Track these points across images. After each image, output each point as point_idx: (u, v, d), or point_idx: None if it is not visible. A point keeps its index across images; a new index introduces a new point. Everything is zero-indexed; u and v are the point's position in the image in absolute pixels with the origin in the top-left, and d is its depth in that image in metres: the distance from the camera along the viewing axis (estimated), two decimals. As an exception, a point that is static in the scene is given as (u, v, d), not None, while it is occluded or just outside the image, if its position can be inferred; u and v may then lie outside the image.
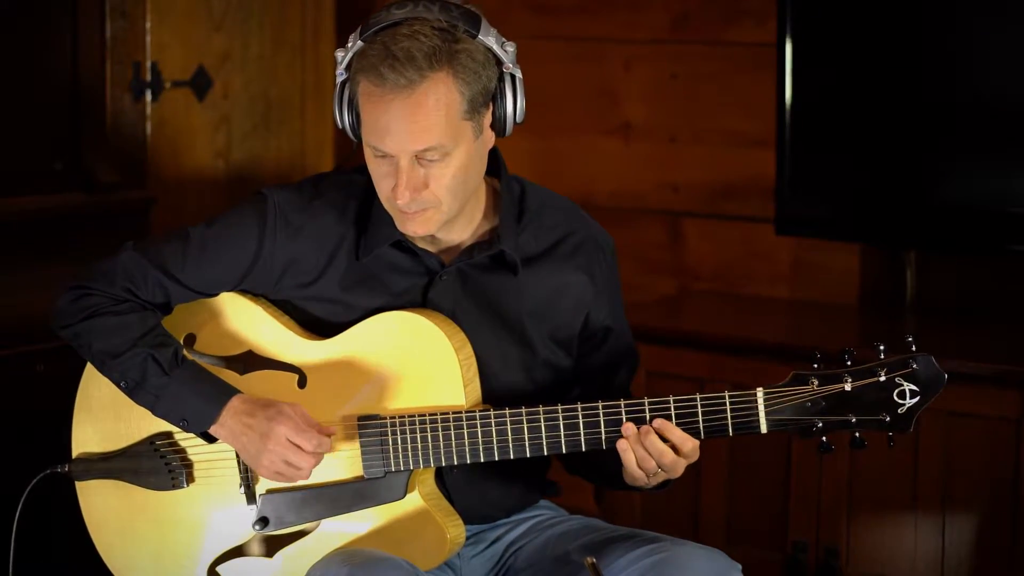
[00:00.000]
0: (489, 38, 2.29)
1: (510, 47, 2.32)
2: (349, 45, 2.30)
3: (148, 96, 3.69)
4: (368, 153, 2.31)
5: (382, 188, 2.32)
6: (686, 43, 3.96)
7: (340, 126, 2.36)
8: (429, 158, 2.27)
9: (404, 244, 2.41)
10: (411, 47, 2.22)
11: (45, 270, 3.17)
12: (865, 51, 3.58)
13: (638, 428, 2.27)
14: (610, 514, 3.48)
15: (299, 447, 2.32)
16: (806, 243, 3.83)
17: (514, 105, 2.34)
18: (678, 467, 2.29)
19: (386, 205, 2.34)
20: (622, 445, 2.28)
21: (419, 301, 2.42)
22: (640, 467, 2.28)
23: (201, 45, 3.80)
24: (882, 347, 2.26)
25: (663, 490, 2.40)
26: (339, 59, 2.32)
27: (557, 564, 2.42)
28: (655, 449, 2.26)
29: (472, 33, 2.28)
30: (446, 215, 2.33)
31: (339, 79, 2.33)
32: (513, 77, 2.33)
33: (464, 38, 2.27)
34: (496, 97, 2.32)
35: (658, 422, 2.26)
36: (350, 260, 2.42)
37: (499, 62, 2.31)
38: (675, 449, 2.27)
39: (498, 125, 2.35)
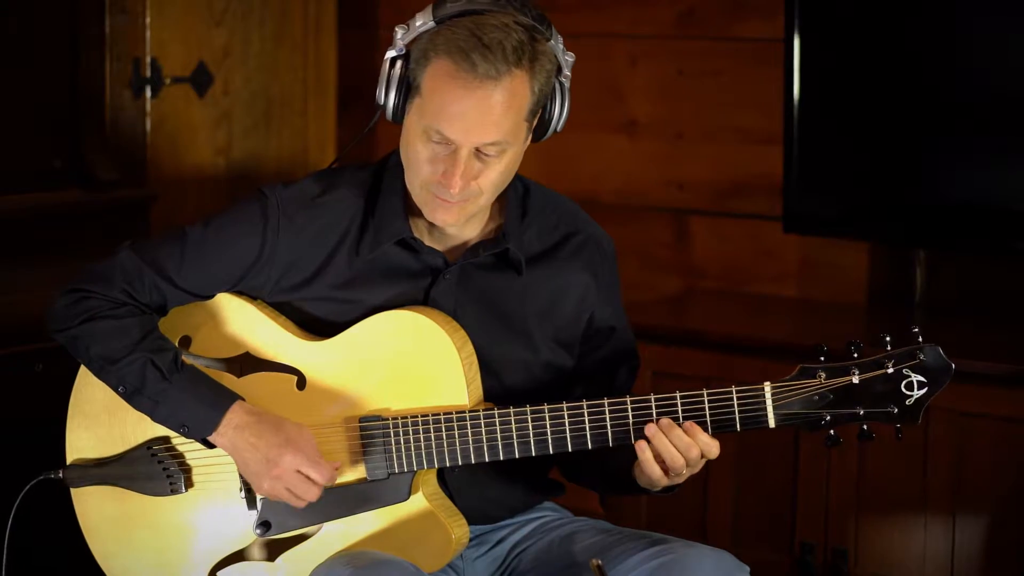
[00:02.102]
0: (558, 44, 2.30)
1: (570, 57, 2.33)
2: (417, 24, 2.28)
3: (148, 93, 3.68)
4: (418, 134, 2.28)
5: (423, 173, 2.29)
6: (692, 39, 3.96)
7: (381, 103, 2.32)
8: (488, 152, 2.26)
9: (408, 242, 2.39)
10: (503, 39, 2.21)
11: (44, 268, 3.15)
12: (874, 47, 3.58)
13: (658, 425, 2.27)
14: (615, 515, 3.46)
15: (309, 479, 2.32)
16: (814, 241, 3.83)
17: (560, 114, 2.34)
18: (698, 464, 2.28)
19: (420, 188, 2.31)
20: (643, 441, 2.26)
21: (421, 299, 2.40)
22: (661, 460, 2.26)
23: (201, 41, 3.79)
24: (888, 338, 2.25)
25: (669, 494, 2.39)
26: (399, 35, 2.30)
27: (562, 566, 2.41)
28: (682, 443, 2.24)
29: (548, 36, 2.28)
30: (480, 207, 2.33)
31: (393, 54, 2.31)
32: (563, 86, 2.33)
33: (542, 40, 2.27)
34: (547, 103, 2.33)
35: (688, 424, 2.26)
36: (351, 257, 2.40)
37: (559, 69, 2.31)
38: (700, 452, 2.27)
39: (540, 130, 2.35)
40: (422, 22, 2.27)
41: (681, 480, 2.31)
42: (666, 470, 2.27)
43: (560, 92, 2.33)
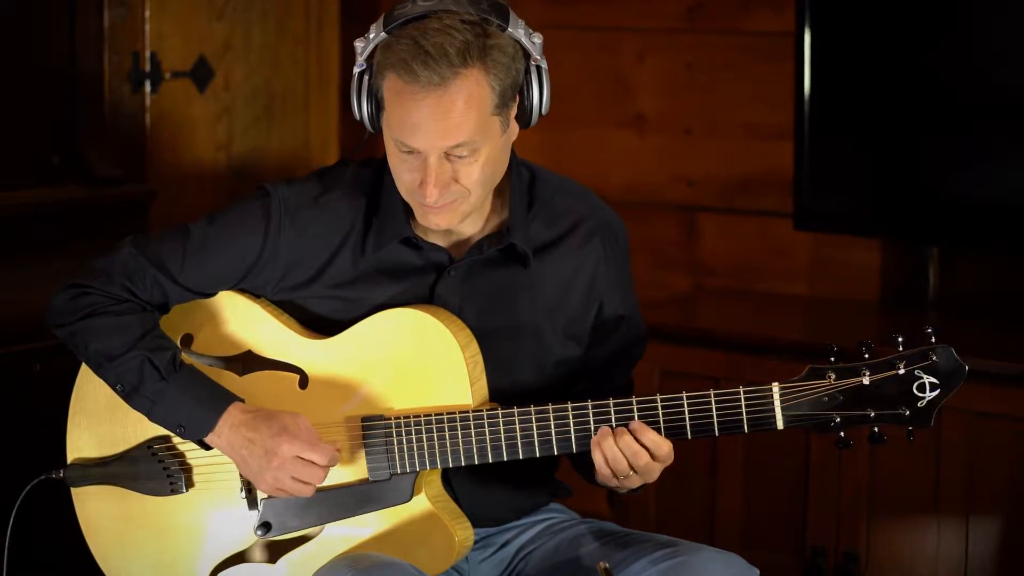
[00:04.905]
0: (518, 30, 2.28)
1: (537, 38, 2.30)
2: (371, 36, 2.28)
3: (147, 87, 3.67)
4: (391, 147, 2.29)
5: (404, 182, 2.30)
6: (702, 32, 3.96)
7: (357, 117, 2.33)
8: (458, 154, 2.25)
9: (412, 240, 2.38)
10: (443, 42, 2.20)
11: (42, 266, 3.14)
12: (887, 40, 3.57)
13: (612, 429, 2.25)
14: (623, 517, 3.48)
15: (312, 463, 2.30)
16: (825, 238, 3.82)
17: (540, 97, 2.32)
18: (652, 471, 2.27)
19: (408, 198, 2.33)
20: (592, 444, 2.26)
21: (426, 297, 2.39)
22: (610, 467, 2.26)
23: (202, 35, 3.79)
24: (900, 339, 2.23)
25: (636, 492, 2.40)
26: (359, 49, 2.30)
27: (569, 569, 2.40)
28: (629, 450, 2.24)
29: (502, 26, 2.26)
30: (472, 206, 2.32)
31: (358, 69, 2.31)
32: (539, 69, 2.31)
33: (495, 32, 2.25)
34: (523, 89, 2.31)
35: (634, 424, 2.25)
36: (355, 256, 2.39)
37: (527, 54, 2.29)
38: (650, 453, 2.25)
39: (523, 117, 2.34)
40: (375, 34, 2.27)
41: (632, 484, 2.31)
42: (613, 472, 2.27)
43: (537, 75, 2.31)
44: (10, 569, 2.52)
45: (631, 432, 2.24)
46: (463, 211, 2.30)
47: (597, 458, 2.26)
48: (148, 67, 3.65)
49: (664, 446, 2.24)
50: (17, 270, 3.17)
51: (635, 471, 2.26)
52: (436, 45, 2.19)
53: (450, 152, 2.24)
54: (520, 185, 2.41)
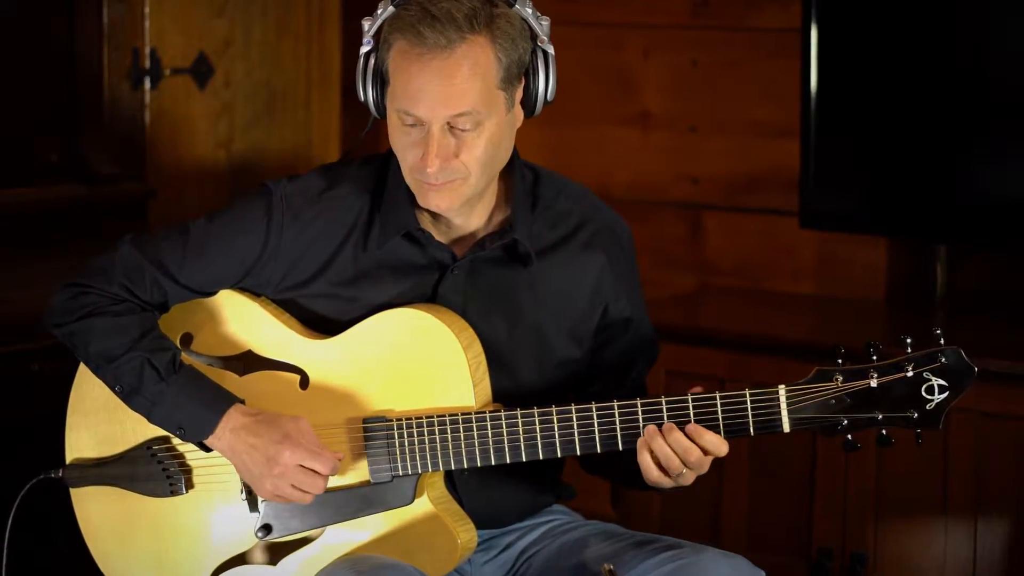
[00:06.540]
0: (526, 9, 2.28)
1: (544, 21, 2.31)
2: (378, 12, 2.28)
3: (147, 84, 3.68)
4: (395, 122, 2.28)
5: (407, 159, 2.28)
6: (707, 29, 3.96)
7: (361, 99, 2.33)
8: (461, 126, 2.24)
9: (416, 236, 2.36)
10: (451, 8, 2.21)
11: (41, 264, 3.14)
12: (895, 37, 3.56)
13: (659, 427, 2.23)
14: (627, 518, 3.46)
15: (313, 471, 2.29)
16: (831, 237, 3.82)
17: (546, 82, 2.32)
18: (704, 464, 2.25)
19: (410, 178, 2.31)
20: (640, 444, 2.24)
21: (429, 295, 2.38)
22: (662, 467, 2.23)
23: (202, 31, 3.79)
24: (909, 340, 2.21)
25: (679, 489, 2.35)
26: (366, 28, 2.30)
27: (573, 571, 2.39)
28: (680, 446, 2.21)
29: (509, 2, 2.26)
30: (472, 189, 2.30)
31: (364, 49, 2.31)
32: (546, 53, 2.31)
33: (502, 4, 2.26)
34: (529, 72, 2.31)
35: (691, 427, 2.22)
36: (358, 253, 2.38)
37: (534, 36, 2.30)
38: (704, 451, 2.23)
39: (529, 102, 2.33)
40: (382, 10, 2.28)
41: (686, 482, 2.28)
42: (665, 472, 2.24)
43: (543, 59, 2.31)
44: (10, 570, 2.50)
45: (688, 435, 2.21)
46: (463, 194, 2.29)
47: (644, 458, 2.23)
48: (148, 64, 3.66)
49: (724, 447, 2.22)
50: (15, 269, 3.16)
51: (688, 467, 2.23)
52: (443, 10, 2.20)
53: (453, 123, 2.23)
54: (523, 185, 2.40)
